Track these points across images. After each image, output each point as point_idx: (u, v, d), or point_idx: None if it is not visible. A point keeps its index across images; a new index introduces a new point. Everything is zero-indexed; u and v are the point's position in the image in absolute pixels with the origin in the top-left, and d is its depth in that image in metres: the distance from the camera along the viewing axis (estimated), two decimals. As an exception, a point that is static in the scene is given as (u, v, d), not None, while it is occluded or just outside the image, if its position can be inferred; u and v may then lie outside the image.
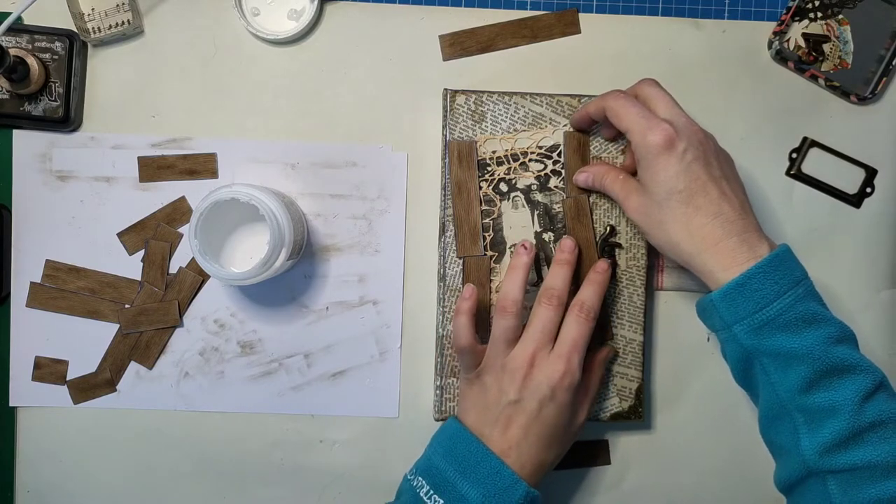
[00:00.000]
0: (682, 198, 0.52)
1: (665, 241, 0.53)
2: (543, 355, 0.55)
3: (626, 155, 0.61)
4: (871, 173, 0.66)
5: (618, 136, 0.61)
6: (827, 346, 0.48)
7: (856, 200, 0.66)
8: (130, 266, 0.63)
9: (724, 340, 0.53)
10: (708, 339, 0.66)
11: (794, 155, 0.66)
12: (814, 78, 0.65)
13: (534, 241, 0.61)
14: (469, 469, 0.53)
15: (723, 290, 0.50)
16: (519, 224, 0.62)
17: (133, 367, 0.64)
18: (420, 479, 0.54)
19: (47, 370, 0.63)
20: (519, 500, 0.52)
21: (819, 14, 0.65)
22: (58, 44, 0.61)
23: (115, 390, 0.64)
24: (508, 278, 0.57)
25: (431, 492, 0.53)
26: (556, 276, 0.57)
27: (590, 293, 0.57)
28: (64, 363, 0.64)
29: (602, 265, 0.59)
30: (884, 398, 0.49)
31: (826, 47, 0.65)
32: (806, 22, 0.65)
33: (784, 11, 0.65)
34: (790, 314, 0.49)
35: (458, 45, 0.64)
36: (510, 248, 0.62)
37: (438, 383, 0.62)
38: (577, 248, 0.59)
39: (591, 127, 0.61)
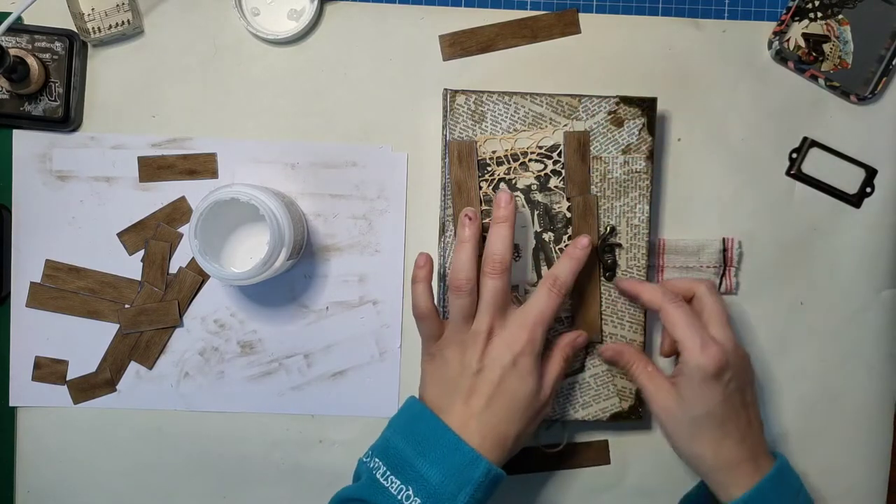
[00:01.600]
0: (717, 422, 0.54)
1: (688, 451, 0.56)
2: (501, 324, 0.55)
3: (665, 342, 0.62)
4: (871, 173, 0.66)
5: (672, 351, 0.61)
6: None
7: (856, 200, 0.66)
8: (130, 266, 0.63)
9: None
10: None
11: (794, 155, 0.66)
12: (814, 78, 0.65)
13: (478, 210, 0.59)
14: (427, 447, 0.52)
15: (741, 500, 0.54)
16: (519, 224, 0.62)
17: (133, 367, 0.64)
18: (376, 459, 0.53)
19: (47, 370, 0.63)
20: (479, 478, 0.51)
21: (819, 14, 0.65)
22: (58, 44, 0.61)
23: (115, 390, 0.64)
24: (456, 254, 0.56)
25: (388, 472, 0.52)
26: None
27: (565, 268, 0.57)
28: (64, 363, 0.64)
29: (583, 241, 0.58)
30: None
31: (826, 47, 0.65)
32: (806, 22, 0.65)
33: (784, 11, 0.65)
34: None
35: (458, 45, 0.64)
36: (510, 248, 0.62)
37: (438, 383, 0.62)
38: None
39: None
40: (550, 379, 0.57)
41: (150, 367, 0.64)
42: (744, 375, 0.56)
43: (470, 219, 0.57)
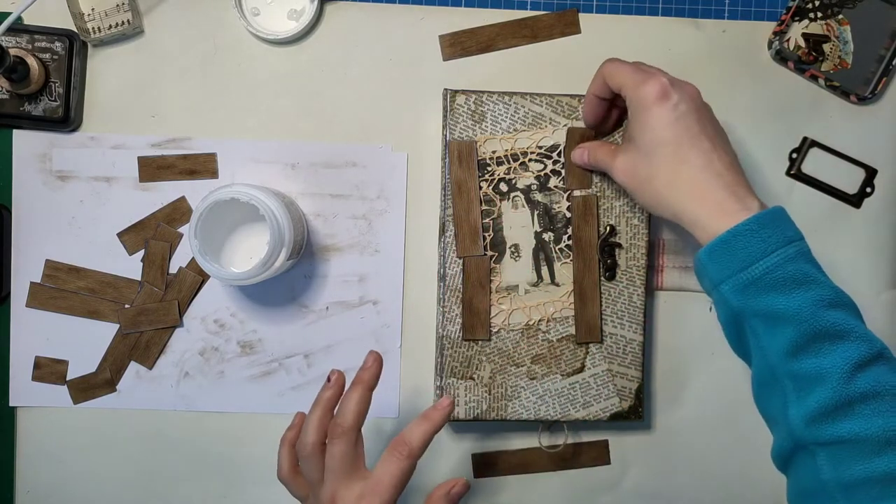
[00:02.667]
0: (672, 149, 0.51)
1: (652, 196, 0.52)
2: (345, 493, 0.50)
3: (623, 138, 0.60)
4: (871, 173, 0.66)
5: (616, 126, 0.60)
6: (816, 309, 0.46)
7: (856, 200, 0.66)
8: (130, 266, 0.63)
9: (715, 302, 0.50)
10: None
11: (794, 155, 0.66)
12: (814, 78, 0.65)
13: (343, 372, 0.54)
14: None
15: (709, 246, 0.48)
16: (519, 224, 0.62)
17: (133, 367, 0.64)
18: None
19: (47, 370, 0.63)
20: None
21: (819, 14, 0.65)
22: (58, 44, 0.61)
23: (115, 390, 0.64)
24: (308, 414, 0.53)
25: None
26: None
27: (418, 433, 0.50)
28: (64, 363, 0.64)
29: (445, 401, 0.52)
30: (882, 370, 0.45)
31: (826, 47, 0.65)
32: (806, 22, 0.65)
33: (784, 11, 0.65)
34: (778, 273, 0.46)
35: (458, 45, 0.64)
36: (510, 247, 0.62)
37: (438, 383, 0.62)
38: (380, 361, 0.54)
39: (601, 117, 0.59)
40: None
41: (150, 367, 0.64)
42: (696, 102, 0.52)
43: (329, 382, 0.54)
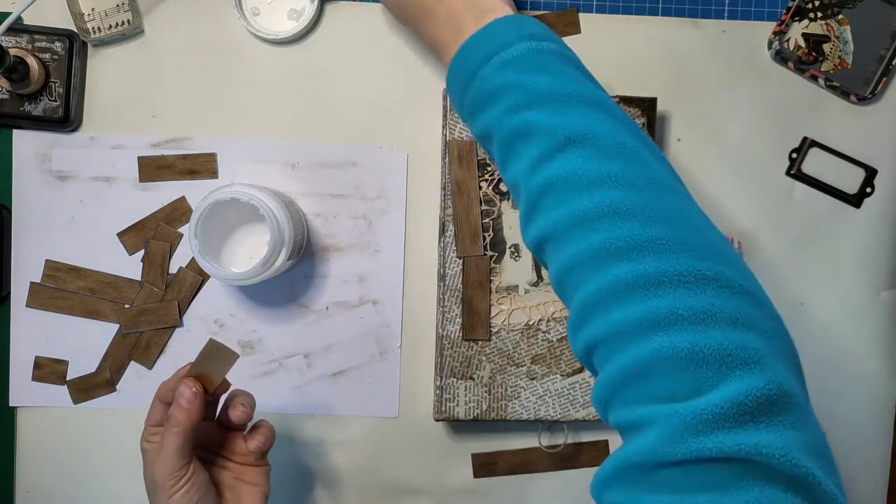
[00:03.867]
0: None
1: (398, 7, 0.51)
2: None
3: None
4: (871, 173, 0.66)
5: None
6: (503, 118, 0.43)
7: (856, 200, 0.66)
8: (130, 266, 0.63)
9: (466, 112, 0.47)
10: None
11: (794, 155, 0.66)
12: (814, 78, 0.65)
13: (195, 390, 0.50)
14: None
15: (459, 52, 0.46)
16: (519, 224, 0.62)
17: (133, 367, 0.64)
18: None
19: (47, 370, 0.63)
20: None
21: (819, 14, 0.65)
22: (58, 44, 0.61)
23: (115, 390, 0.64)
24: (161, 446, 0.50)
25: None
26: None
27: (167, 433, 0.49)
28: (64, 363, 0.64)
29: (186, 393, 0.50)
30: (565, 159, 0.40)
31: (826, 47, 0.65)
32: (806, 22, 0.65)
33: (784, 11, 0.65)
34: (479, 93, 0.45)
35: (458, 45, 0.64)
36: (510, 247, 0.62)
37: (438, 383, 0.62)
38: (200, 393, 0.50)
39: None
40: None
41: (150, 367, 0.64)
42: None
43: (185, 403, 0.49)
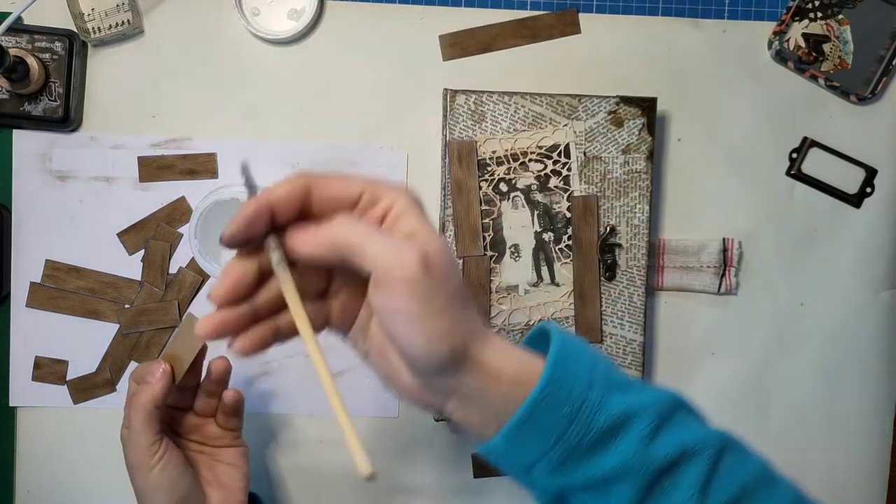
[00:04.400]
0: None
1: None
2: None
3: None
4: (871, 173, 0.66)
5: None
6: (644, 451, 0.37)
7: (856, 200, 0.66)
8: (130, 266, 0.63)
9: (527, 486, 0.39)
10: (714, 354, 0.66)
11: (794, 155, 0.66)
12: (814, 78, 0.65)
13: (165, 368, 0.50)
14: None
15: (503, 434, 0.37)
16: (519, 224, 0.62)
17: (133, 367, 0.64)
18: None
19: (47, 370, 0.63)
20: None
21: (819, 14, 0.65)
22: (58, 44, 0.61)
23: (115, 390, 0.64)
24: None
25: None
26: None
27: (136, 405, 0.50)
28: (64, 363, 0.64)
29: (157, 371, 0.50)
30: (728, 467, 0.38)
31: (826, 47, 0.65)
32: (806, 22, 0.65)
33: (784, 11, 0.65)
34: (593, 432, 0.36)
35: (458, 45, 0.64)
36: (510, 247, 0.62)
37: (438, 383, 0.62)
38: (169, 373, 0.50)
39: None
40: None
41: (150, 367, 0.64)
42: (443, 263, 0.36)
43: (154, 376, 0.50)
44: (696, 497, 0.37)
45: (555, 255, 0.62)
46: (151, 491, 0.49)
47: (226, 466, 0.54)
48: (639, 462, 0.36)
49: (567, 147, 0.62)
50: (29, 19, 0.62)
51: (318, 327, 0.41)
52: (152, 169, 0.63)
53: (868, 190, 0.66)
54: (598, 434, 0.36)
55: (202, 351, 0.52)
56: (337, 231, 0.36)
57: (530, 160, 0.61)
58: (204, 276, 0.63)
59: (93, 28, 0.61)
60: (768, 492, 0.39)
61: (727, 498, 0.37)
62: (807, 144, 0.65)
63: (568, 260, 0.62)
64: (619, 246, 0.62)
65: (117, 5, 0.61)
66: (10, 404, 0.63)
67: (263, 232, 0.37)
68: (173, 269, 0.64)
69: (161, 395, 0.50)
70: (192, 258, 0.63)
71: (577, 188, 0.62)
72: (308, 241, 0.36)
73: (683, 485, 0.37)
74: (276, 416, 0.64)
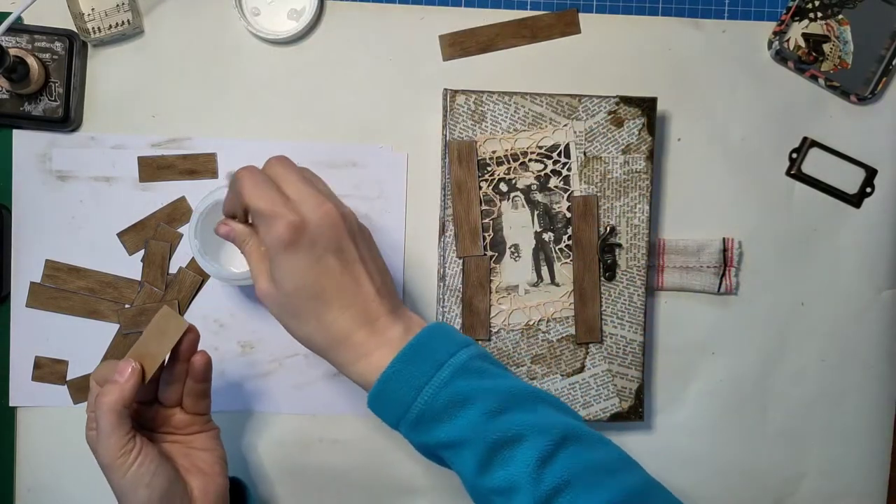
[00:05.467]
0: (312, 292, 0.46)
1: (298, 333, 0.48)
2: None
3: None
4: (871, 173, 0.66)
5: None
6: (483, 425, 0.45)
7: (856, 200, 0.66)
8: (130, 266, 0.63)
9: (405, 438, 0.48)
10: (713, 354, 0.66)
11: (794, 155, 0.66)
12: (814, 78, 0.65)
13: (135, 366, 0.49)
14: None
15: (369, 397, 0.47)
16: (519, 224, 0.62)
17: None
18: None
19: (47, 370, 0.63)
20: None
21: (819, 14, 0.65)
22: (58, 44, 0.61)
23: (115, 390, 0.64)
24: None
25: None
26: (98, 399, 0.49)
27: (103, 406, 0.49)
28: (64, 363, 0.64)
29: (124, 370, 0.49)
30: (567, 455, 0.45)
31: (826, 47, 0.65)
32: (806, 22, 0.65)
33: (784, 11, 0.65)
34: (437, 405, 0.45)
35: (458, 45, 0.64)
36: (510, 247, 0.62)
37: (438, 383, 0.62)
38: (139, 371, 0.50)
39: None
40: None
41: (150, 367, 0.64)
42: (335, 231, 0.47)
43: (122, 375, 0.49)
44: (532, 470, 0.44)
45: (555, 255, 0.62)
46: (131, 488, 0.49)
47: (201, 452, 0.54)
48: (477, 434, 0.44)
49: (567, 147, 0.62)
50: (29, 19, 0.62)
51: None
52: (152, 169, 0.63)
53: (868, 190, 0.66)
54: (442, 406, 0.45)
55: (179, 343, 0.51)
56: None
57: (530, 160, 0.61)
58: (204, 276, 0.63)
59: (93, 28, 0.61)
60: (602, 480, 0.45)
61: (562, 476, 0.44)
62: (807, 144, 0.65)
63: (568, 260, 0.62)
64: (619, 246, 0.62)
65: (117, 5, 0.61)
66: (10, 404, 0.63)
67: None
68: (173, 269, 0.64)
69: (130, 395, 0.49)
70: (192, 258, 0.63)
71: (577, 188, 0.62)
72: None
73: (521, 458, 0.44)
74: (276, 416, 0.64)
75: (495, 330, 0.62)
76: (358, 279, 0.48)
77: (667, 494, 0.47)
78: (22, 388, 0.63)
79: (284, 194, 0.47)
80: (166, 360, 0.52)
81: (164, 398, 0.54)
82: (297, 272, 0.46)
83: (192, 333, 0.52)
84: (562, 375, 0.62)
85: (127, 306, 0.63)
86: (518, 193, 0.62)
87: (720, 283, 0.65)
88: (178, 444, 0.54)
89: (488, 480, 0.45)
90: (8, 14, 0.58)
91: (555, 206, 0.62)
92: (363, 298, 0.48)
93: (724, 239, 0.65)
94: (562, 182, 0.62)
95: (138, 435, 0.49)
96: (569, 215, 0.62)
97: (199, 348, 0.53)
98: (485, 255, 0.62)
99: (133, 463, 0.48)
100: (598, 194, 0.62)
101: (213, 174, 0.64)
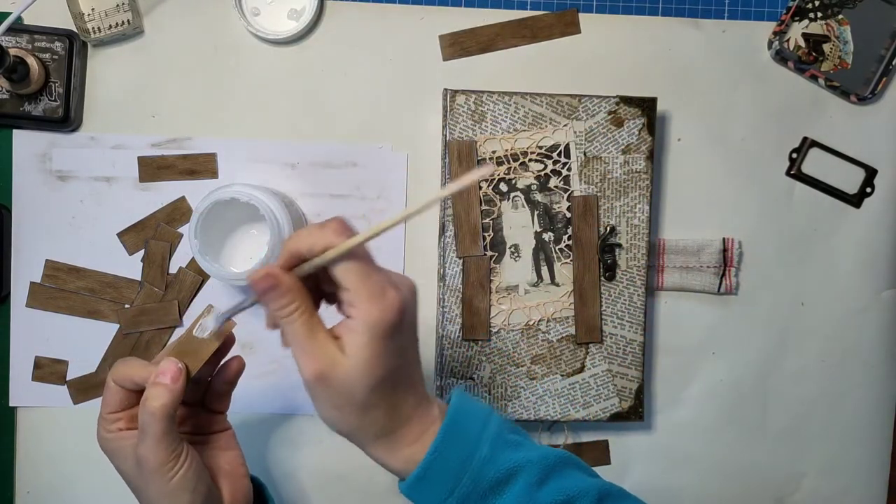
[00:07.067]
0: (393, 381, 0.43)
1: (358, 422, 0.44)
2: None
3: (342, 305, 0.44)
4: (871, 173, 0.66)
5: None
6: (530, 497, 0.44)
7: (856, 200, 0.66)
8: (130, 266, 0.63)
9: None
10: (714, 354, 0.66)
11: (794, 155, 0.66)
12: (814, 78, 0.65)
13: (181, 367, 0.47)
14: None
15: (408, 483, 0.44)
16: (519, 224, 0.62)
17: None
18: None
19: (47, 370, 0.63)
20: None
21: (819, 14, 0.65)
22: (58, 44, 0.61)
23: (115, 390, 0.64)
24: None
25: None
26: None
27: (147, 416, 0.45)
28: (64, 363, 0.64)
29: (170, 367, 0.46)
30: None
31: (826, 47, 0.65)
32: (806, 22, 0.65)
33: (784, 11, 0.65)
34: (483, 485, 0.44)
35: (458, 45, 0.64)
36: (510, 247, 0.62)
37: (438, 383, 0.62)
38: (184, 372, 0.47)
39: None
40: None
41: (150, 367, 0.64)
42: (414, 313, 0.44)
43: (169, 379, 0.46)
44: None
45: (555, 255, 0.62)
46: (175, 494, 0.46)
47: (223, 452, 0.52)
48: None
49: (567, 147, 0.62)
50: (29, 19, 0.62)
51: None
52: (152, 169, 0.63)
53: (868, 190, 0.66)
54: (489, 484, 0.44)
55: (225, 345, 0.49)
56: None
57: (530, 160, 0.61)
58: (204, 276, 0.63)
59: (93, 28, 0.61)
60: None
61: None
62: (807, 144, 0.65)
63: (568, 260, 0.62)
64: (619, 246, 0.62)
65: (117, 5, 0.61)
66: (10, 404, 0.63)
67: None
68: (173, 269, 0.64)
69: (180, 398, 0.46)
70: (192, 258, 0.63)
71: (577, 188, 0.62)
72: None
73: None
74: (277, 416, 0.64)
75: (495, 330, 0.62)
76: (411, 364, 0.45)
77: None
78: (22, 388, 0.63)
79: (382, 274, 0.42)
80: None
81: (188, 396, 0.51)
82: (391, 360, 0.42)
83: (230, 338, 0.50)
84: (562, 375, 0.62)
85: (127, 306, 0.63)
86: (518, 193, 0.62)
87: (720, 283, 0.65)
88: (202, 445, 0.52)
89: None
90: (8, 14, 0.58)
91: (555, 206, 0.62)
92: (419, 379, 0.45)
93: (724, 239, 0.65)
94: (562, 182, 0.62)
95: (184, 440, 0.47)
96: (569, 215, 0.62)
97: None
98: (485, 255, 0.62)
99: (181, 467, 0.46)
100: (598, 194, 0.62)
101: (213, 174, 0.64)
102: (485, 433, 0.45)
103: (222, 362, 0.51)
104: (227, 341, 0.50)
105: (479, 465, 0.44)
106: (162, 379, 0.45)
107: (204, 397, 0.52)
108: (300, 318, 0.43)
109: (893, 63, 0.64)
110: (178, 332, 0.64)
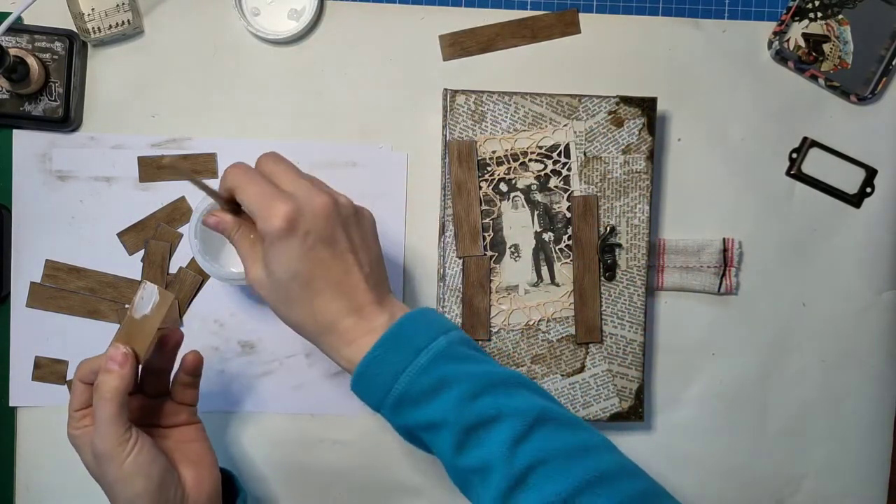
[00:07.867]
0: (304, 280, 0.48)
1: (289, 319, 0.50)
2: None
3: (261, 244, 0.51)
4: (871, 173, 0.66)
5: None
6: (460, 407, 0.46)
7: (856, 200, 0.66)
8: (130, 266, 0.63)
9: (386, 420, 0.50)
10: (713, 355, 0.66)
11: (794, 155, 0.66)
12: (814, 78, 0.65)
13: (126, 351, 0.49)
14: None
15: (352, 380, 0.49)
16: (519, 224, 0.62)
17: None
18: None
19: (47, 370, 0.63)
20: None
21: (819, 14, 0.65)
22: (58, 44, 0.61)
23: (115, 390, 0.64)
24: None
25: None
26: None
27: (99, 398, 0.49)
28: (64, 363, 0.64)
29: (117, 356, 0.49)
30: (539, 436, 0.46)
31: (826, 47, 0.65)
32: (806, 22, 0.65)
33: (784, 11, 0.65)
34: (416, 388, 0.47)
35: (458, 45, 0.64)
36: (510, 247, 0.62)
37: (438, 383, 0.62)
38: (132, 355, 0.49)
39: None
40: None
41: (150, 367, 0.64)
42: (328, 222, 0.48)
43: (117, 362, 0.49)
44: (506, 450, 0.45)
45: (555, 255, 0.62)
46: (128, 477, 0.48)
47: (190, 444, 0.54)
48: (454, 416, 0.46)
49: (567, 147, 0.62)
50: (29, 19, 0.62)
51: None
52: (152, 169, 0.63)
53: (868, 190, 0.66)
54: (420, 390, 0.47)
55: (174, 333, 0.51)
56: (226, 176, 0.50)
57: (530, 160, 0.61)
58: (204, 276, 0.63)
59: (93, 28, 0.61)
60: (575, 460, 0.46)
61: (535, 455, 0.45)
62: (807, 144, 0.66)
63: (568, 260, 0.62)
64: (619, 246, 0.62)
65: (117, 5, 0.61)
66: (10, 404, 0.63)
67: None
68: (173, 269, 0.64)
69: (130, 381, 0.48)
70: (192, 258, 0.63)
71: (577, 188, 0.62)
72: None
73: (495, 438, 0.46)
74: (276, 416, 0.64)
75: (495, 330, 0.62)
76: (348, 269, 0.49)
77: (641, 476, 0.48)
78: (22, 388, 0.63)
79: (278, 186, 0.49)
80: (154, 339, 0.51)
81: (151, 388, 0.54)
82: (291, 260, 0.47)
83: (178, 333, 0.53)
84: (562, 375, 0.62)
85: (127, 306, 0.63)
86: (518, 193, 0.62)
87: (720, 284, 0.65)
88: (166, 438, 0.54)
89: (464, 460, 0.47)
90: (8, 14, 0.58)
91: (555, 206, 0.62)
92: (352, 287, 0.49)
93: (724, 239, 0.65)
94: (562, 182, 0.62)
95: (133, 426, 0.49)
96: (569, 215, 0.62)
97: (197, 349, 0.54)
98: (485, 255, 0.62)
99: (131, 451, 0.48)
100: (598, 194, 0.62)
101: (214, 174, 0.64)
102: (432, 345, 0.48)
103: (182, 357, 0.54)
104: (174, 335, 0.53)
105: (414, 372, 0.47)
106: (111, 365, 0.48)
107: (167, 390, 0.55)
108: (237, 237, 0.51)
109: (893, 63, 0.64)
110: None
